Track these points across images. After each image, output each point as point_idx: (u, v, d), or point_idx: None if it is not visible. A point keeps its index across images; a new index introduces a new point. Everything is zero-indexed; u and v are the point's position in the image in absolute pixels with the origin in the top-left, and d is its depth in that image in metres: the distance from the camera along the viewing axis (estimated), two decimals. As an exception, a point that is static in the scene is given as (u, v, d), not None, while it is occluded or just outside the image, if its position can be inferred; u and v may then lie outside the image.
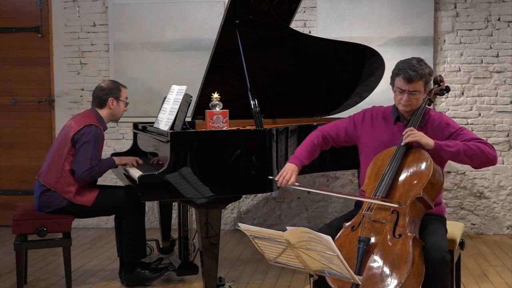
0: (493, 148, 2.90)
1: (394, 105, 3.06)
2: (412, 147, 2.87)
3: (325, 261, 2.25)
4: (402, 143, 2.85)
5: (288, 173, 3.01)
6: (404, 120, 3.02)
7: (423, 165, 2.80)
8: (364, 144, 3.11)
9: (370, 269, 2.55)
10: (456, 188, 5.30)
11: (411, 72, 2.89)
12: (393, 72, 3.00)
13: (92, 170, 3.75)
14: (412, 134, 2.83)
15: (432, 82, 3.04)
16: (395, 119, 3.04)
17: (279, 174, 3.04)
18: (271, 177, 3.23)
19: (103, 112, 3.94)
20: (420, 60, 2.96)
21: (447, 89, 3.11)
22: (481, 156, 2.83)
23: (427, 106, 3.00)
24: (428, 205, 2.79)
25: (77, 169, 3.75)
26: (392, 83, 3.00)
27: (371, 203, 2.76)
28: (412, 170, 2.81)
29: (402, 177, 2.80)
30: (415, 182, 2.76)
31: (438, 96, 3.13)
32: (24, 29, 5.58)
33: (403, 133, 2.87)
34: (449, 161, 2.99)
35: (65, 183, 3.76)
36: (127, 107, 4.06)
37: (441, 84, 3.08)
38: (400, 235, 2.62)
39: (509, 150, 5.26)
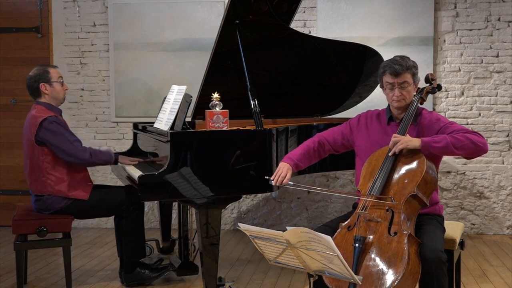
0: (482, 136, 2.89)
1: (388, 105, 3.09)
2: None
3: (325, 261, 2.25)
4: (390, 154, 2.86)
5: (282, 171, 3.02)
6: (397, 119, 3.04)
7: (416, 163, 2.81)
8: (359, 147, 3.13)
9: (366, 267, 2.56)
10: (456, 188, 5.29)
11: (396, 66, 2.95)
12: (379, 72, 3.06)
13: (85, 150, 3.74)
14: (398, 144, 2.84)
15: (419, 76, 3.06)
16: (388, 119, 3.06)
17: (274, 173, 3.05)
18: (266, 177, 3.19)
19: (44, 100, 3.84)
20: (402, 56, 3.03)
21: (439, 87, 3.14)
22: (471, 146, 2.84)
23: (419, 105, 3.02)
24: (423, 203, 2.80)
25: (72, 158, 3.71)
26: (381, 83, 3.06)
27: (366, 202, 2.78)
28: (405, 168, 2.83)
29: (396, 175, 2.82)
30: (409, 179, 2.78)
31: (430, 94, 3.15)
32: (24, 29, 5.58)
33: (390, 146, 2.87)
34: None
35: (53, 183, 3.73)
36: (66, 86, 3.93)
37: (432, 82, 3.12)
38: (395, 233, 2.63)
39: (509, 150, 5.26)
